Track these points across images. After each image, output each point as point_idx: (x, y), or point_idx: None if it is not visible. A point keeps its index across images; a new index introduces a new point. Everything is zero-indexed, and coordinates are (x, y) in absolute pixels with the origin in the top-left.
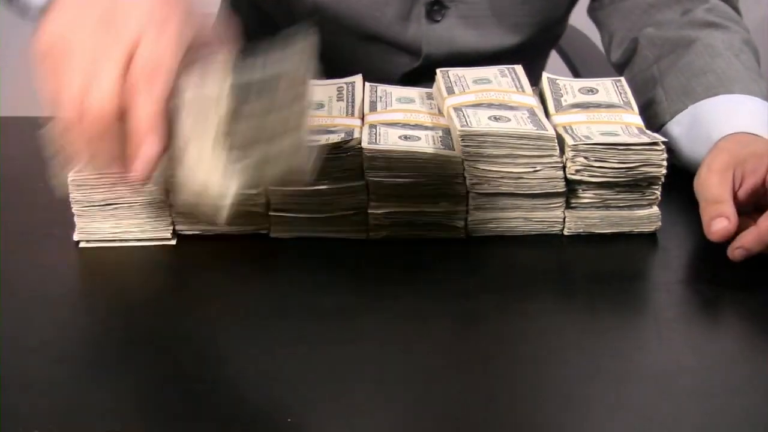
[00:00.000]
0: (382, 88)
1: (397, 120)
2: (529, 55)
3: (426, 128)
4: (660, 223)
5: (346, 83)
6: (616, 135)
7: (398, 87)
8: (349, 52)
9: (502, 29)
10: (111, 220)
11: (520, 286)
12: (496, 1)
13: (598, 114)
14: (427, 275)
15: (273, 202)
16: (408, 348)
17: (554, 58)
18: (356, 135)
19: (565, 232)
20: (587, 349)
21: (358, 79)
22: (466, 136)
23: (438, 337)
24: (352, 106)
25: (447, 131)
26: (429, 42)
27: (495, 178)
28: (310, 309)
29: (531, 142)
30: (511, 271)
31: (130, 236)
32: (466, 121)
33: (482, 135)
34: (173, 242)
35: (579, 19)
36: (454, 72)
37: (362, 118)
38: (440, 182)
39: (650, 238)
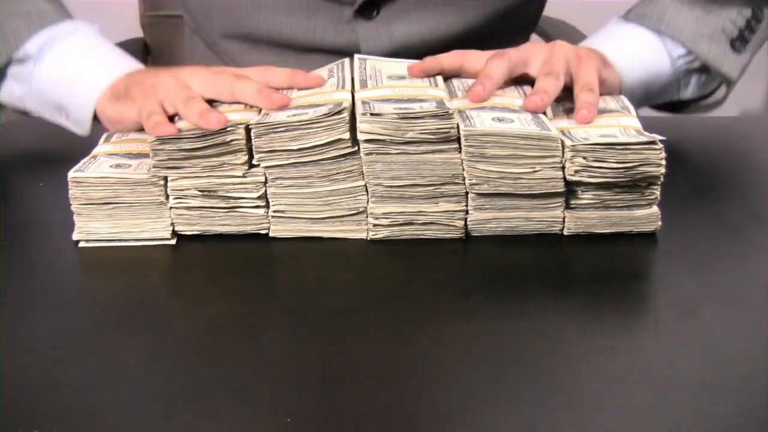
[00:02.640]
0: (371, 63)
1: (387, 96)
2: (494, 41)
3: (416, 100)
4: (660, 223)
5: (336, 64)
6: (614, 137)
7: (387, 61)
8: (292, 66)
9: (447, 16)
10: (110, 219)
11: (519, 285)
12: None
13: (596, 120)
14: (427, 274)
15: (272, 203)
16: (408, 347)
17: None
18: (344, 104)
19: (565, 232)
20: (586, 348)
21: (347, 59)
22: (469, 136)
23: (437, 337)
24: (343, 82)
25: (441, 101)
26: (367, 41)
27: (495, 178)
28: (310, 308)
29: (534, 143)
30: (511, 269)
31: (129, 236)
32: (470, 122)
33: (486, 135)
34: (173, 242)
35: (579, 19)
36: (372, 62)
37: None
38: (439, 183)
39: (650, 237)
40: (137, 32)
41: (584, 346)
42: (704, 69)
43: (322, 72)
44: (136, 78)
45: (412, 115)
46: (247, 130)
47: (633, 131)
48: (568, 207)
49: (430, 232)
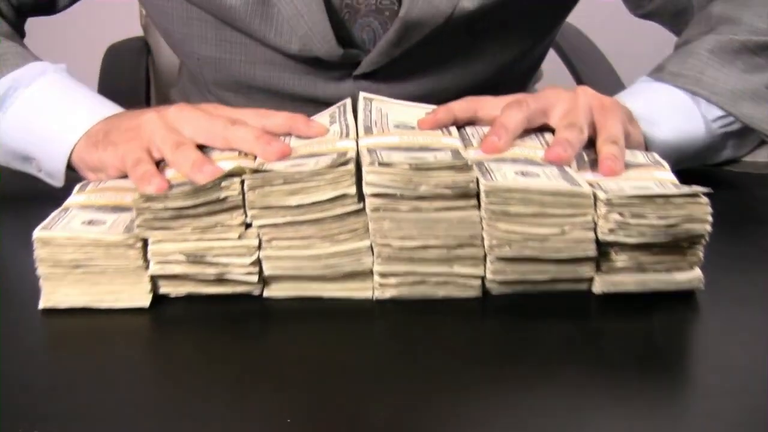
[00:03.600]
0: (376, 106)
1: (395, 144)
2: (499, 89)
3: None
4: (702, 287)
5: (337, 108)
6: (651, 189)
7: (394, 103)
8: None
9: (452, 73)
10: (81, 285)
11: (541, 354)
12: (432, 58)
13: (625, 172)
14: (439, 337)
15: (266, 267)
16: (418, 421)
17: (554, 58)
18: (349, 155)
19: (594, 291)
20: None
21: (348, 101)
22: (490, 192)
23: (450, 410)
24: (347, 129)
25: (456, 150)
26: (364, 68)
27: (518, 240)
28: (311, 376)
29: (564, 200)
30: (533, 332)
31: (104, 304)
32: (491, 176)
33: (509, 191)
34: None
35: (579, 19)
36: (378, 104)
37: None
38: (455, 244)
39: (689, 297)
40: (137, 32)
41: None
42: (744, 130)
43: (324, 117)
44: (115, 121)
45: (426, 166)
46: (242, 183)
47: (670, 184)
48: (598, 269)
49: (443, 292)
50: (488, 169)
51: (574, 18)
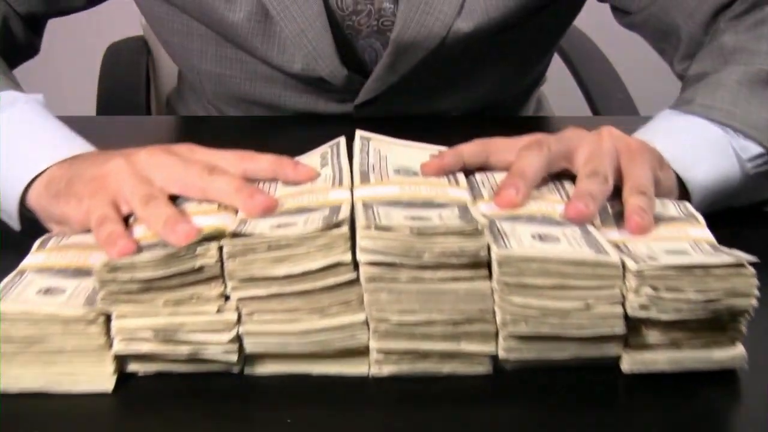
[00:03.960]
0: (374, 146)
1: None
2: (499, 106)
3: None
4: (746, 366)
5: (330, 147)
6: (686, 254)
7: (394, 144)
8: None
9: (452, 96)
10: (36, 365)
11: None
12: (430, 82)
13: (655, 229)
14: (443, 417)
15: (247, 344)
16: None
17: (555, 58)
18: (342, 215)
19: (623, 370)
20: None
21: (342, 140)
22: (504, 262)
23: None
24: (340, 174)
25: (464, 208)
26: (364, 96)
27: (535, 316)
28: None
29: (589, 271)
30: (552, 419)
31: (62, 387)
32: (504, 241)
33: (525, 260)
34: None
35: (579, 19)
36: (376, 144)
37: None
38: (462, 319)
39: (730, 377)
40: (137, 32)
41: None
42: None
43: (314, 157)
44: (79, 167)
45: (430, 231)
46: (221, 250)
47: (707, 246)
48: (626, 345)
49: (449, 368)
50: (501, 232)
51: (576, 20)
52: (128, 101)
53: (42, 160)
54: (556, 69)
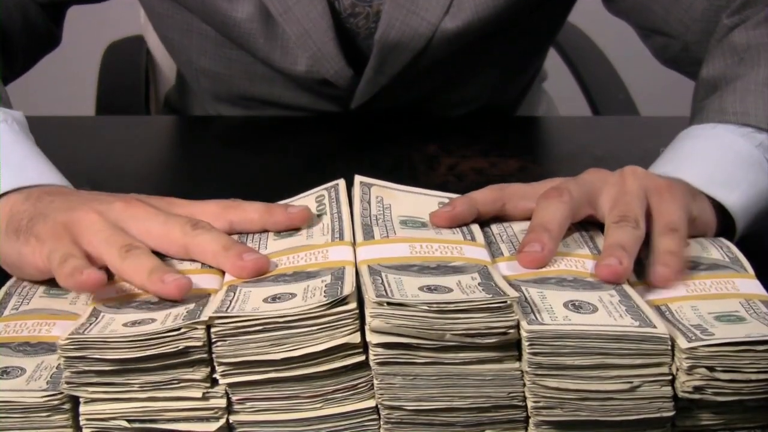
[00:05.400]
0: (375, 193)
1: (405, 260)
2: (499, 106)
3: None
4: None
5: (327, 190)
6: (742, 321)
7: (398, 190)
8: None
9: (443, 98)
10: None
11: None
12: (422, 84)
13: (699, 281)
14: None
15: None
16: None
17: (555, 58)
18: (348, 287)
19: None
20: None
21: (341, 183)
22: (536, 341)
23: None
24: (340, 226)
25: (486, 273)
26: (358, 100)
27: (572, 399)
28: None
29: (633, 347)
30: None
31: None
32: (535, 315)
33: (560, 338)
34: None
35: (579, 19)
36: (378, 191)
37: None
38: (488, 406)
39: None
40: (137, 31)
41: None
42: None
43: (309, 199)
44: (46, 207)
45: (452, 308)
46: (209, 329)
47: (762, 306)
48: (674, 426)
49: None
50: (530, 302)
51: (574, 17)
52: (127, 100)
53: (6, 181)
54: (556, 69)
